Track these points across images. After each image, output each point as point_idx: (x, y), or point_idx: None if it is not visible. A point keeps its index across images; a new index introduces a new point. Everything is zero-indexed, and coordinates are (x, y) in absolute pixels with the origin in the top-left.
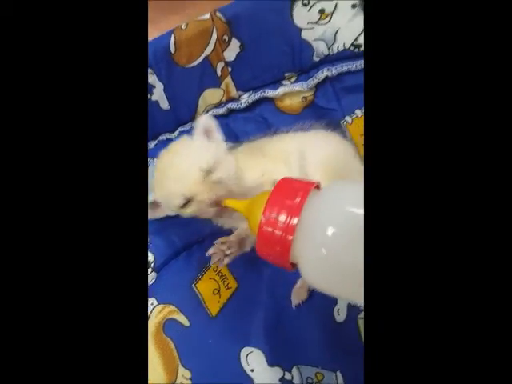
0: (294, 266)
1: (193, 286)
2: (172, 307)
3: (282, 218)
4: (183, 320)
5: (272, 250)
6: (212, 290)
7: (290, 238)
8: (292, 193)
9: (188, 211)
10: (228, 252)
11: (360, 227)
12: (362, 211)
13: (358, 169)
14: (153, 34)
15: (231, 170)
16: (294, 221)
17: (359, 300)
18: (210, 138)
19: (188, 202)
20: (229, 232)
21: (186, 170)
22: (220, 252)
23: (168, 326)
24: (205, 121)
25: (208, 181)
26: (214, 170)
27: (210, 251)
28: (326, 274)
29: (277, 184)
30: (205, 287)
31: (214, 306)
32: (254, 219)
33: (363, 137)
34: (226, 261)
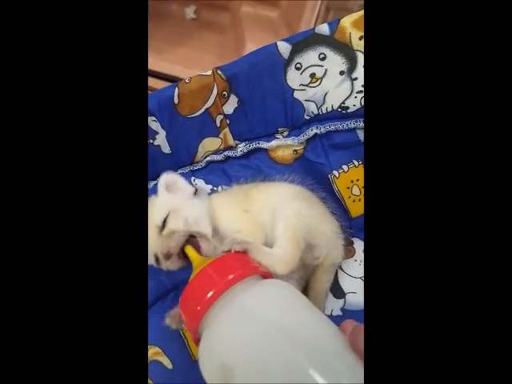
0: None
1: None
2: (157, 348)
3: (206, 288)
4: (167, 362)
5: (186, 312)
6: None
7: (201, 310)
8: (230, 269)
9: (162, 267)
10: None
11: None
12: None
13: (324, 231)
14: (158, 64)
15: (191, 214)
16: (211, 296)
17: None
18: (173, 190)
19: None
20: None
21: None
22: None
23: (152, 367)
24: (165, 177)
25: (162, 235)
26: (167, 224)
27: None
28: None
29: (225, 255)
30: None
31: (197, 350)
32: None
33: (349, 189)
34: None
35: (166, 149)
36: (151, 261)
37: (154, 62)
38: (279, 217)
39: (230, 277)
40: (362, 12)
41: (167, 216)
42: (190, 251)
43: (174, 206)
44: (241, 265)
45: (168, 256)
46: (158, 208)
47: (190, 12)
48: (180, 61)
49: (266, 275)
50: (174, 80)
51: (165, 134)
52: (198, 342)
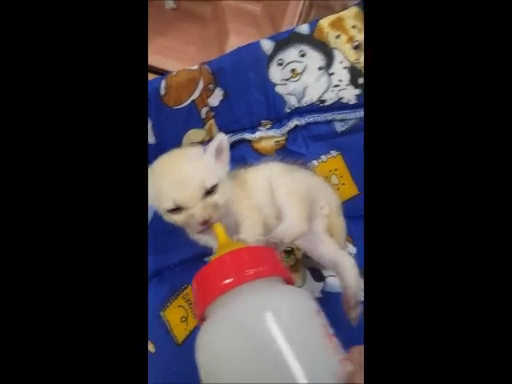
0: (204, 320)
1: (160, 313)
2: None
3: (227, 273)
4: (149, 346)
5: (200, 289)
6: (180, 318)
7: (217, 292)
8: (256, 262)
9: (174, 218)
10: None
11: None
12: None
13: (319, 183)
14: None
15: (227, 195)
16: (229, 283)
17: None
18: (219, 158)
19: (177, 209)
20: (209, 252)
21: (187, 178)
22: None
23: None
24: (220, 139)
25: (206, 200)
26: (214, 193)
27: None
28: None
29: (257, 246)
30: (173, 315)
31: (180, 334)
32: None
33: (328, 178)
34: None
35: (152, 139)
36: (164, 205)
37: None
38: (277, 186)
39: (251, 272)
40: (339, 14)
41: (217, 185)
42: (220, 230)
43: (222, 178)
44: (266, 262)
45: (204, 223)
46: (207, 167)
47: (170, 1)
48: (160, 51)
49: (289, 280)
50: (152, 70)
51: (151, 124)
52: (202, 320)
